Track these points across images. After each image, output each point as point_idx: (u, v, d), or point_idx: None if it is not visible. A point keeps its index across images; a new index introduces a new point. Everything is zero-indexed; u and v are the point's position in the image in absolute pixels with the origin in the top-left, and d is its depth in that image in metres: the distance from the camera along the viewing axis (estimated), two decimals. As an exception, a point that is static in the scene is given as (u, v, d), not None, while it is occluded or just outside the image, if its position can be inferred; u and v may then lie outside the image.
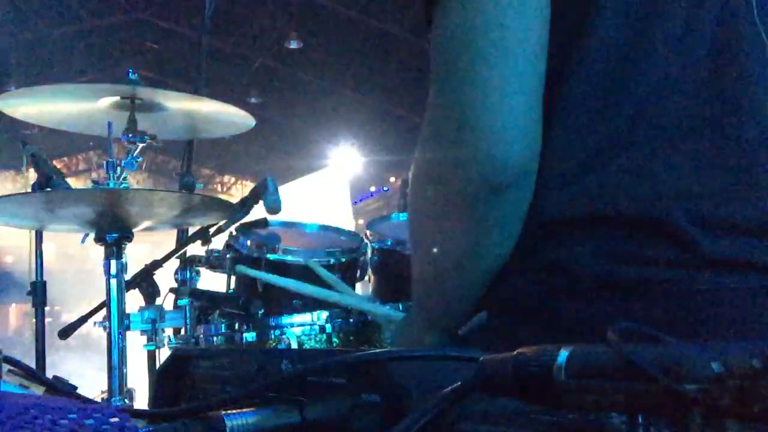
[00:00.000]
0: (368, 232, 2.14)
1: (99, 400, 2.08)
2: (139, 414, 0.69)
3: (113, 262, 1.97)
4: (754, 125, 0.88)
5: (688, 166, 0.86)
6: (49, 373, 1.41)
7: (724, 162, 0.86)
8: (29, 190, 2.08)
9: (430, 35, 0.90)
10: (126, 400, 1.96)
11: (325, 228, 2.29)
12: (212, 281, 2.23)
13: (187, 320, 2.08)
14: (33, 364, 2.19)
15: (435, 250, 0.96)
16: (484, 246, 0.93)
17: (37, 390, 0.94)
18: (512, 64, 0.84)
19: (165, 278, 2.28)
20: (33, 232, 2.36)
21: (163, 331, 2.17)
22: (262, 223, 2.15)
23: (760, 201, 0.86)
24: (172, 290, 2.18)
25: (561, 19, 0.87)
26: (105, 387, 2.01)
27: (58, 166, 2.36)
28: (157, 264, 2.28)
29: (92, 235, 2.03)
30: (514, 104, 0.85)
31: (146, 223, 2.07)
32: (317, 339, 1.86)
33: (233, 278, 2.09)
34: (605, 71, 0.88)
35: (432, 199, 0.94)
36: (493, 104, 0.84)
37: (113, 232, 1.97)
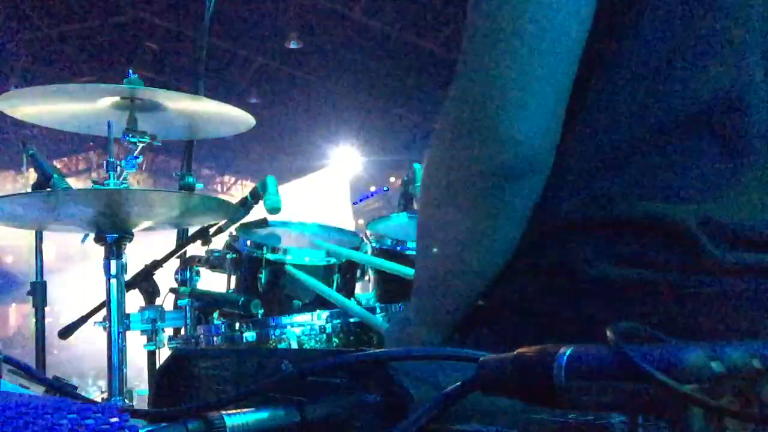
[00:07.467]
0: (368, 232, 2.14)
1: (99, 400, 2.08)
2: (139, 414, 0.69)
3: (113, 262, 1.97)
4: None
5: (702, 175, 0.86)
6: (49, 373, 1.41)
7: (738, 174, 0.86)
8: (29, 190, 2.08)
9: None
10: (126, 400, 1.96)
11: (325, 228, 2.29)
12: (212, 281, 2.23)
13: (187, 320, 2.09)
14: (33, 364, 2.20)
15: (442, 238, 0.96)
16: (491, 236, 0.93)
17: (37, 390, 0.94)
18: (544, 59, 0.84)
19: (165, 278, 2.28)
20: (33, 232, 2.36)
21: (163, 331, 2.17)
22: (262, 223, 2.15)
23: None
24: (172, 290, 2.18)
25: (599, 20, 0.86)
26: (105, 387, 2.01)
27: (58, 166, 2.36)
28: (157, 264, 2.28)
29: (92, 235, 2.03)
30: (541, 99, 0.85)
31: (146, 223, 2.07)
32: (317, 339, 1.86)
33: (233, 278, 2.09)
34: (634, 78, 0.87)
35: (445, 185, 0.94)
36: (519, 97, 0.84)
37: (113, 232, 1.97)
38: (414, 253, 1.70)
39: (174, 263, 2.27)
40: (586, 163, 0.88)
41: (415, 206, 2.27)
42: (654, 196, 0.85)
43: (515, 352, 0.53)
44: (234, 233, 2.14)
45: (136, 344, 2.17)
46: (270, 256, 1.98)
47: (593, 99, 0.88)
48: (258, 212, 2.17)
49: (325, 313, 1.87)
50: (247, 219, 2.18)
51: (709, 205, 0.85)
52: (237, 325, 1.92)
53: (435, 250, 0.98)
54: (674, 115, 0.87)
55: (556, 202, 0.89)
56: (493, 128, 0.85)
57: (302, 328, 1.86)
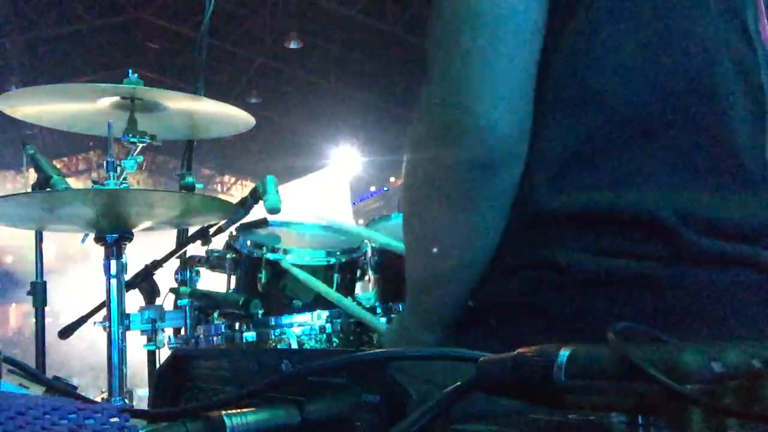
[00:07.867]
0: (368, 232, 2.13)
1: (99, 400, 2.08)
2: (139, 414, 0.69)
3: (113, 262, 1.97)
4: (743, 133, 0.88)
5: (680, 167, 0.86)
6: (49, 373, 1.41)
7: (715, 164, 0.87)
8: (29, 190, 2.07)
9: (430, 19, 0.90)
10: (126, 400, 1.96)
11: (325, 228, 2.29)
12: (212, 281, 2.23)
13: (187, 320, 2.08)
14: (33, 364, 2.19)
15: (427, 236, 0.97)
16: (472, 228, 0.93)
17: (37, 390, 0.94)
18: (506, 43, 0.85)
19: (165, 278, 2.28)
20: (33, 232, 2.36)
21: (163, 331, 2.17)
22: (262, 223, 2.15)
23: (748, 207, 0.86)
24: (172, 290, 2.18)
25: (559, 11, 0.87)
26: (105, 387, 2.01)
27: (58, 166, 2.36)
28: (157, 264, 2.28)
29: (92, 235, 2.03)
30: (508, 84, 0.85)
31: (146, 223, 2.07)
32: (317, 339, 1.86)
33: (233, 278, 2.09)
34: (602, 70, 0.88)
35: (424, 181, 0.95)
36: (485, 84, 0.85)
37: (113, 232, 1.97)
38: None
39: (174, 263, 2.27)
40: (563, 157, 0.89)
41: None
42: (630, 188, 0.86)
43: (515, 352, 0.53)
44: (234, 233, 2.14)
45: (136, 344, 2.17)
46: (270, 256, 1.98)
47: (566, 93, 0.89)
48: (258, 212, 2.16)
49: (325, 313, 1.87)
50: (247, 219, 2.18)
51: (685, 196, 0.85)
52: (237, 325, 1.92)
53: (420, 247, 0.99)
54: (648, 107, 0.87)
55: (535, 196, 0.89)
56: (463, 119, 0.86)
57: (302, 328, 1.86)
